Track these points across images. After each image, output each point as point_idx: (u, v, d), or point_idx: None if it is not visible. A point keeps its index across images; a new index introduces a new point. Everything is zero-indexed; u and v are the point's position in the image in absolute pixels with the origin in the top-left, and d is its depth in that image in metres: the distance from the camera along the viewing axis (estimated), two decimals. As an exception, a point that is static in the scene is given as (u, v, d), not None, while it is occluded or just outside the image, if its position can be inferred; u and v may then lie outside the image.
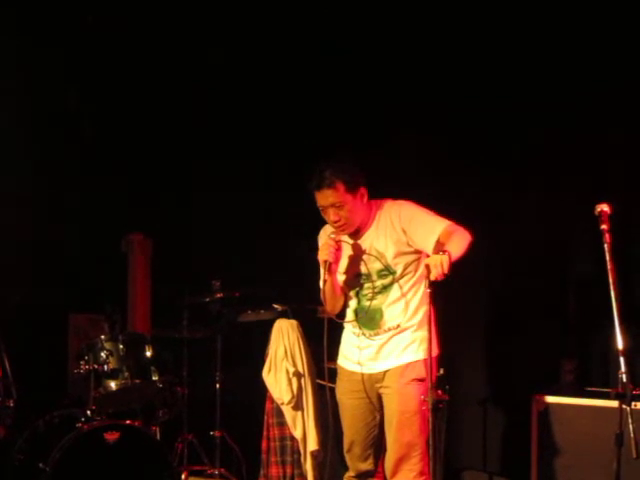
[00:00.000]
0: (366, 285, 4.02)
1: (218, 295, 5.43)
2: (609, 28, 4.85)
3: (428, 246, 3.80)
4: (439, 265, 3.50)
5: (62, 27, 6.31)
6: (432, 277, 3.52)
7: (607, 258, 3.27)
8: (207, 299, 5.48)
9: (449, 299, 3.97)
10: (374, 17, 5.67)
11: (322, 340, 4.03)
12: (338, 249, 3.97)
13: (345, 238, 4.02)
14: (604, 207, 3.38)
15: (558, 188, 5.04)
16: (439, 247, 3.68)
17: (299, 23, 5.97)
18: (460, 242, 3.71)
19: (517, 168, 5.19)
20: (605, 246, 3.29)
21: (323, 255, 3.94)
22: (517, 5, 5.14)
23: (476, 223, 3.96)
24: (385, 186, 4.12)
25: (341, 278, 4.05)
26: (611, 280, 3.23)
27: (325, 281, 3.94)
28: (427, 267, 3.56)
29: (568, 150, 5.02)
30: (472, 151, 5.35)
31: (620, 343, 3.18)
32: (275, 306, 5.44)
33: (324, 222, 4.10)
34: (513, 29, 5.17)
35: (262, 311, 5.58)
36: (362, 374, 4.04)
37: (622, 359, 3.15)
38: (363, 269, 4.00)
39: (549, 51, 5.07)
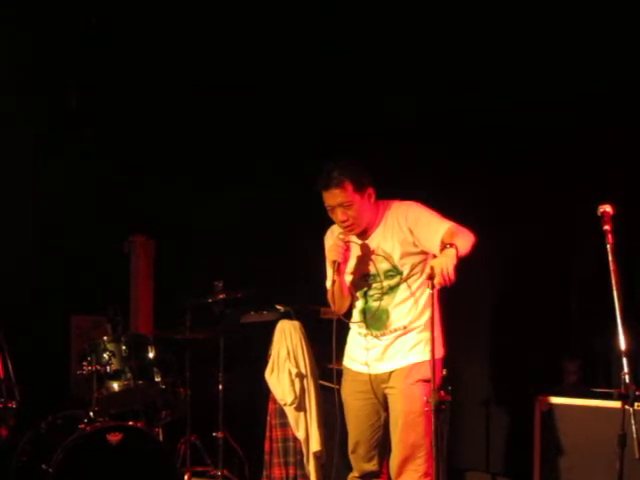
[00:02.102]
0: (374, 285, 4.01)
1: (220, 296, 5.42)
2: (609, 28, 4.84)
3: (434, 247, 3.79)
4: (445, 270, 3.50)
5: (65, 28, 6.30)
6: (436, 283, 3.51)
7: (610, 259, 3.26)
8: (209, 300, 5.48)
9: (452, 300, 3.97)
10: (375, 17, 5.68)
11: (325, 341, 4.03)
12: (347, 249, 3.96)
13: (353, 238, 4.01)
14: (607, 208, 3.37)
15: (561, 188, 5.04)
16: (443, 246, 3.68)
17: (299, 23, 5.98)
18: (464, 242, 3.71)
19: (519, 168, 5.19)
20: (608, 247, 3.29)
21: (332, 255, 3.93)
22: (519, 4, 5.14)
23: (478, 224, 3.96)
24: (386, 186, 4.12)
25: (348, 278, 4.04)
26: (614, 281, 3.23)
27: (334, 282, 3.94)
28: (432, 268, 3.54)
29: (571, 150, 5.02)
30: (473, 151, 5.35)
31: (623, 344, 3.18)
32: (278, 307, 5.45)
33: (328, 222, 4.10)
34: (513, 27, 5.17)
35: (264, 312, 5.59)
36: (369, 375, 4.03)
37: (625, 360, 3.15)
38: (372, 269, 4.00)
39: (550, 51, 5.07)
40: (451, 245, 3.60)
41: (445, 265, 3.51)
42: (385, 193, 4.07)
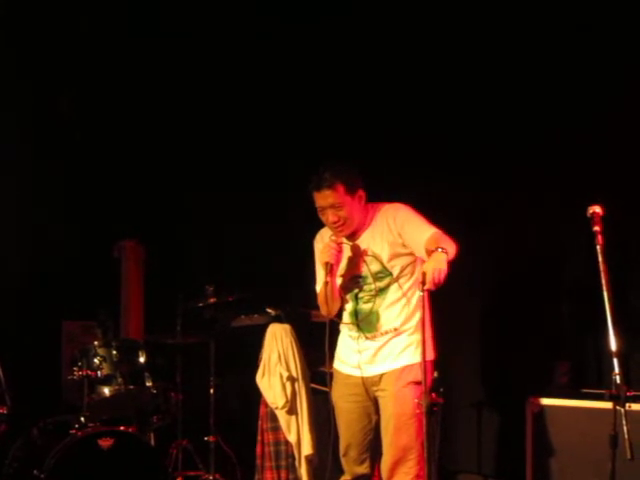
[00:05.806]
0: (364, 287, 4.02)
1: (211, 300, 5.40)
2: (607, 30, 4.85)
3: (419, 250, 3.83)
4: (437, 276, 3.50)
5: (54, 32, 6.29)
6: (425, 288, 3.52)
7: (599, 260, 3.27)
8: (200, 304, 5.47)
9: (444, 302, 3.98)
10: (373, 21, 5.68)
11: (315, 344, 4.03)
12: (339, 251, 3.98)
13: (345, 240, 4.02)
14: (596, 209, 3.39)
15: (552, 190, 5.05)
16: (434, 249, 3.67)
17: (298, 24, 5.99)
18: (448, 249, 3.72)
19: (511, 170, 5.19)
20: (597, 248, 3.30)
21: (324, 257, 3.94)
22: (514, 6, 5.15)
23: (470, 225, 3.98)
24: (378, 187, 4.12)
25: (339, 281, 4.05)
26: (604, 282, 3.24)
27: (326, 283, 3.94)
28: (423, 274, 3.55)
29: (562, 151, 5.03)
30: (463, 153, 5.35)
31: (613, 345, 3.18)
32: (268, 310, 5.43)
33: (320, 224, 4.10)
34: (509, 29, 5.18)
35: (255, 315, 5.58)
36: (361, 377, 4.04)
37: (615, 361, 3.16)
38: (363, 271, 4.01)
39: (544, 52, 5.07)
40: (443, 250, 3.60)
41: (437, 271, 3.51)
42: (376, 193, 4.07)
